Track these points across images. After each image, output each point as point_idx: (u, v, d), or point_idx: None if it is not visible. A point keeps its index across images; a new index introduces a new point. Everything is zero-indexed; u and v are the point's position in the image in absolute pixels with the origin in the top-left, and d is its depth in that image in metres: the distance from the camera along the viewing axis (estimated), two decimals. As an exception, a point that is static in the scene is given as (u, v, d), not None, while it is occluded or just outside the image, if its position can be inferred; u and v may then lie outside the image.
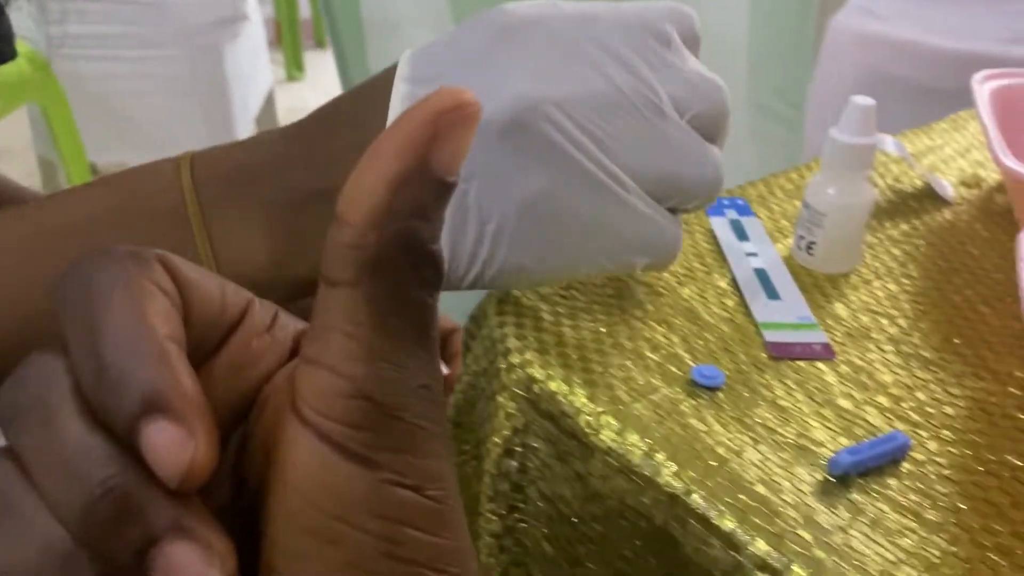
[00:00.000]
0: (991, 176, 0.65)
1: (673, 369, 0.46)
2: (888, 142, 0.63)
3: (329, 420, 0.20)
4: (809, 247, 0.54)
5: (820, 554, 0.37)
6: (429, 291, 0.21)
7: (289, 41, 3.09)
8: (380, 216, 0.20)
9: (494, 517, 0.47)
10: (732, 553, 0.38)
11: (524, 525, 0.46)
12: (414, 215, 0.20)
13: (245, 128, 1.94)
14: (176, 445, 0.18)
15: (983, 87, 0.63)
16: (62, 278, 0.21)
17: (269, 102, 2.27)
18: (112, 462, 0.19)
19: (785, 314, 0.50)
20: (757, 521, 0.38)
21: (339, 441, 0.20)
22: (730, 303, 0.52)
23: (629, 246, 0.45)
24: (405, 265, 0.20)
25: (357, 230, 0.20)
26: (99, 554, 0.19)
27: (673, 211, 0.46)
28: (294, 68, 3.09)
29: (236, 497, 0.22)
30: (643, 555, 0.42)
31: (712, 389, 0.45)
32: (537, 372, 0.46)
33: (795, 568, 0.36)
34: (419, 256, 0.20)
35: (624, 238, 0.44)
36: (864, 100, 0.51)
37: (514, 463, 0.47)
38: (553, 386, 0.45)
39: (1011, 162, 0.53)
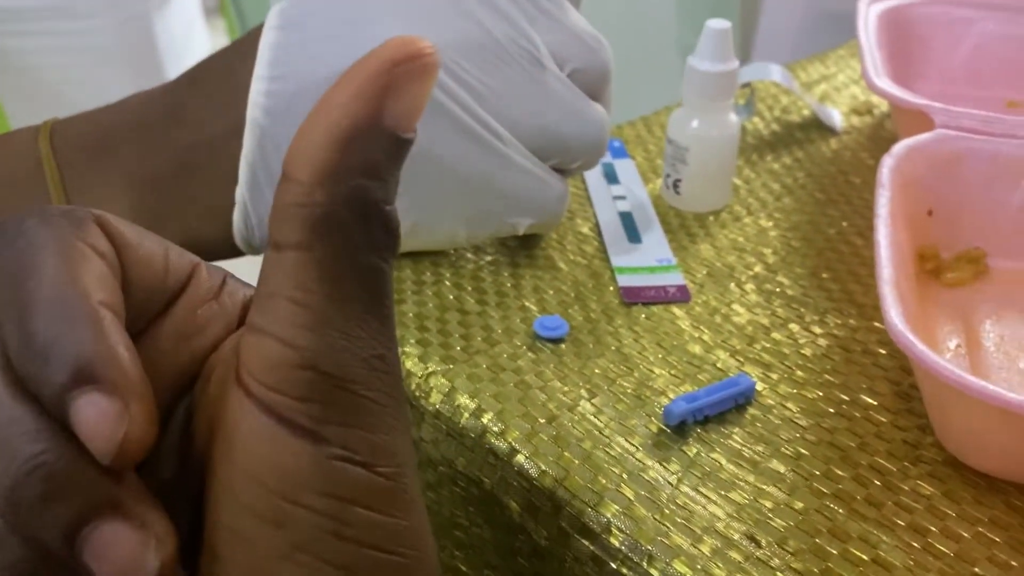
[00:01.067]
0: (884, 103, 0.62)
1: (518, 322, 0.43)
2: (774, 71, 0.59)
3: (275, 392, 0.18)
4: (676, 185, 0.51)
5: (641, 512, 0.34)
6: (382, 255, 0.19)
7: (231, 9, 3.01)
8: (329, 173, 0.18)
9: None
10: (553, 517, 0.35)
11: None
12: (365, 173, 0.18)
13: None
14: (108, 419, 0.17)
15: (870, 9, 0.60)
16: None
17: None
18: (40, 437, 0.17)
19: (644, 257, 0.47)
20: (579, 481, 0.35)
21: (285, 414, 0.18)
22: (590, 249, 0.48)
23: (510, 204, 0.42)
24: (356, 226, 0.19)
25: (304, 187, 0.18)
26: (27, 536, 0.17)
27: (559, 172, 0.44)
28: (236, 37, 3.03)
29: (181, 473, 0.21)
30: (477, 523, 0.39)
31: (555, 341, 0.42)
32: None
33: (614, 530, 0.33)
34: (371, 217, 0.19)
35: (504, 195, 0.42)
36: (720, 23, 0.47)
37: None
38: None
39: (882, 83, 0.50)
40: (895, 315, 0.34)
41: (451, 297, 0.45)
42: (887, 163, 0.43)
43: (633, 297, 0.45)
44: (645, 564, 0.32)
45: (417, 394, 0.40)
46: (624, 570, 0.33)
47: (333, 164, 0.18)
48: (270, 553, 0.18)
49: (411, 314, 0.43)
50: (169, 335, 0.21)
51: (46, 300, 0.18)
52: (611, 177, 0.55)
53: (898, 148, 0.45)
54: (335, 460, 0.18)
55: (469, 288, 0.45)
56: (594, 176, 0.54)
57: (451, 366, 0.40)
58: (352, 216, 0.19)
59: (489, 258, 0.47)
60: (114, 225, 0.20)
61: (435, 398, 0.39)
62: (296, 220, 0.18)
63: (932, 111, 0.47)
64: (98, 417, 0.17)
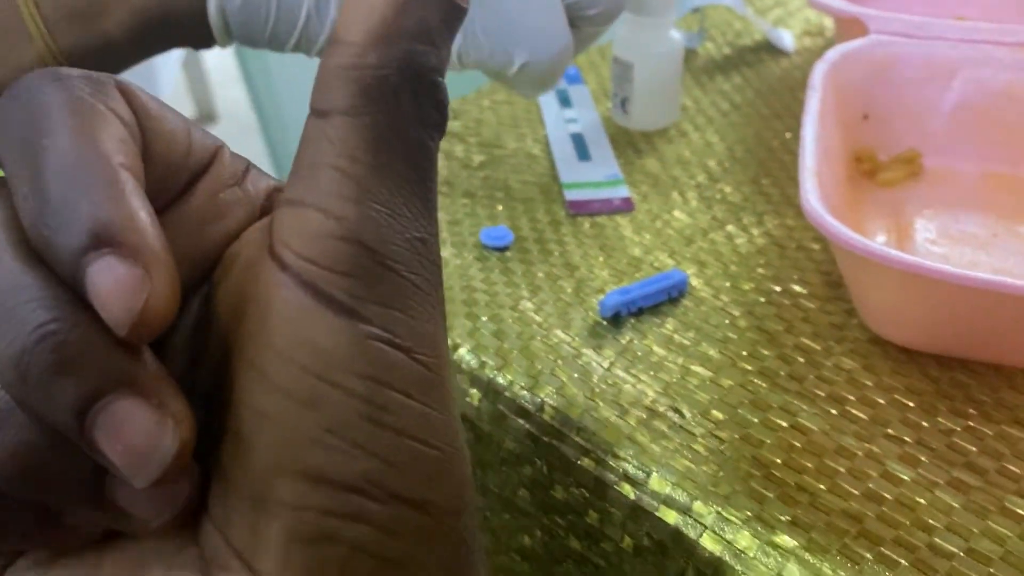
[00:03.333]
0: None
1: (466, 235, 0.45)
2: (725, -3, 0.61)
3: (313, 264, 0.17)
4: (624, 104, 0.52)
5: (573, 391, 0.36)
6: (431, 132, 0.18)
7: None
8: (383, 34, 0.18)
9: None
10: (492, 402, 0.37)
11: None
12: (420, 37, 0.18)
13: (168, 78, 1.91)
14: (127, 286, 0.15)
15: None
16: (1, 100, 0.17)
17: (193, 53, 2.23)
18: (51, 304, 0.15)
19: (592, 173, 0.49)
20: (516, 368, 0.37)
21: (323, 289, 0.17)
22: (540, 169, 0.50)
23: (511, 28, 0.40)
24: (408, 95, 0.18)
25: (357, 49, 0.18)
26: (34, 413, 0.16)
27: (574, 25, 0.42)
28: None
29: (191, 369, 0.19)
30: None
31: (500, 250, 0.44)
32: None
33: (546, 408, 0.35)
34: (423, 86, 0.18)
35: (509, 16, 0.40)
36: (657, -59, 0.49)
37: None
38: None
39: (820, -6, 0.51)
40: (813, 199, 0.36)
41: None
42: (819, 67, 0.45)
43: (579, 209, 0.46)
44: (574, 435, 0.34)
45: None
46: (555, 443, 0.34)
47: (388, 25, 0.17)
48: (301, 436, 0.17)
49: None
50: (189, 218, 0.20)
51: (62, 160, 0.16)
52: (564, 101, 0.56)
53: (831, 53, 0.46)
54: (374, 341, 0.17)
55: (422, 207, 0.47)
56: (548, 100, 0.56)
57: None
58: (404, 83, 0.18)
59: (442, 177, 0.49)
60: (137, 93, 0.18)
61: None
62: (346, 84, 0.18)
63: (866, 18, 0.48)
64: (116, 283, 0.15)
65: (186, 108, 2.25)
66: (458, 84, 0.47)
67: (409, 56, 0.18)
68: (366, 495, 0.17)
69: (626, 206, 0.46)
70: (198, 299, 0.20)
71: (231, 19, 0.40)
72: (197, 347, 0.19)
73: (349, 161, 0.17)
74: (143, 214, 0.16)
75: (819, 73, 0.44)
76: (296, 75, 1.28)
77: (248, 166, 0.21)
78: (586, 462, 0.34)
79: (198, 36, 0.41)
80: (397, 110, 0.18)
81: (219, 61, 2.24)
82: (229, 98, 2.21)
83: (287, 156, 1.35)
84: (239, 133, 1.43)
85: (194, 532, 0.18)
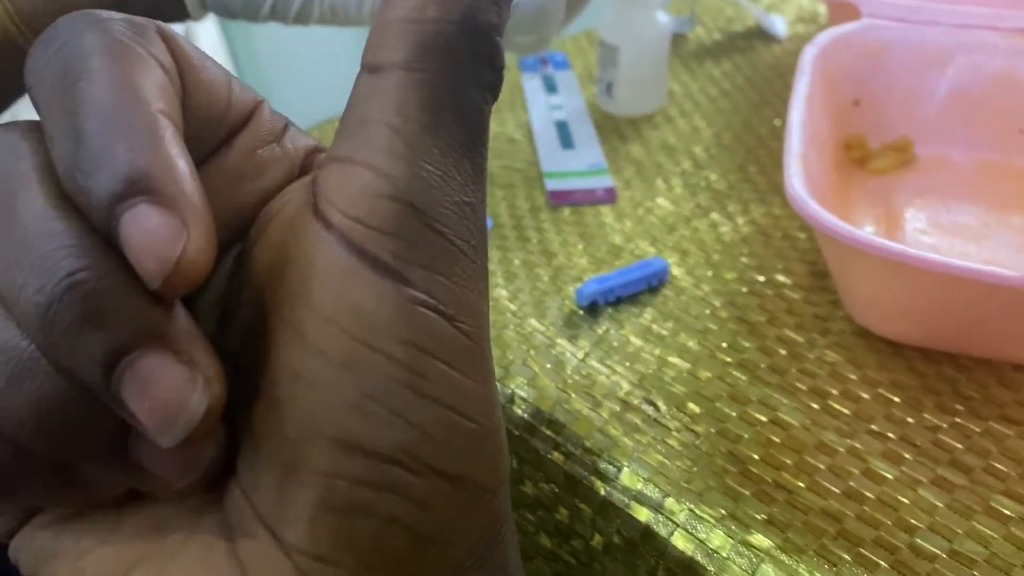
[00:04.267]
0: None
1: (442, 221, 0.44)
2: (717, -18, 0.59)
3: (360, 224, 0.16)
4: (609, 88, 0.51)
5: (545, 382, 0.34)
6: (485, 95, 0.18)
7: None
8: None
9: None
10: (462, 393, 0.36)
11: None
12: None
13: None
14: (162, 235, 0.15)
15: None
16: (38, 41, 0.17)
17: (186, 38, 2.20)
18: (81, 253, 0.15)
19: (576, 162, 0.48)
20: (487, 357, 0.35)
21: (369, 249, 0.16)
22: (524, 156, 0.49)
23: None
24: (466, 52, 0.17)
25: (415, 1, 0.17)
26: (60, 365, 0.15)
27: None
28: None
29: (222, 330, 0.18)
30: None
31: (477, 236, 0.42)
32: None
33: (516, 399, 0.34)
34: (482, 44, 0.17)
35: None
36: (644, -79, 0.47)
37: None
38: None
39: (812, -23, 0.50)
40: (798, 184, 0.34)
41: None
42: (809, 51, 0.43)
43: (560, 200, 0.45)
44: (544, 428, 0.33)
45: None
46: (525, 436, 0.33)
47: None
48: (338, 400, 0.16)
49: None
50: (226, 173, 0.19)
51: (99, 104, 0.15)
52: (550, 88, 0.55)
53: (822, 37, 0.44)
54: (418, 306, 0.16)
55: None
56: (534, 86, 0.54)
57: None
58: (463, 39, 0.17)
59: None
60: (179, 42, 0.18)
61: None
62: (403, 37, 0.17)
63: (859, 2, 0.47)
64: (150, 233, 0.15)
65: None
66: None
67: (471, 11, 0.17)
68: (402, 466, 0.16)
69: (608, 196, 0.45)
70: (232, 257, 0.19)
71: None
72: (229, 306, 0.19)
73: (401, 118, 0.17)
74: (182, 163, 0.15)
75: (809, 57, 0.43)
76: (285, 56, 1.27)
77: (287, 124, 0.20)
78: (556, 456, 0.32)
79: (168, 3, 0.39)
80: (454, 68, 0.17)
81: (211, 48, 2.21)
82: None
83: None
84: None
85: (219, 497, 0.17)
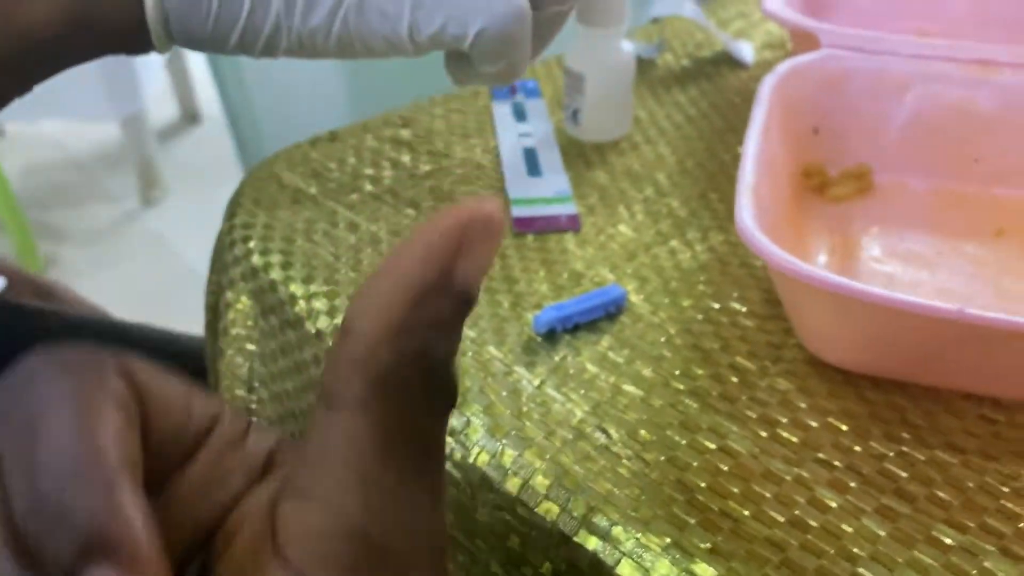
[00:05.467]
0: (801, 37, 0.62)
1: (407, 247, 0.44)
2: (686, 7, 0.60)
3: (319, 566, 0.17)
4: (575, 115, 0.51)
5: (501, 409, 0.35)
6: (439, 420, 0.19)
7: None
8: (397, 328, 0.17)
9: (237, 416, 0.45)
10: (419, 420, 0.36)
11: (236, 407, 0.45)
12: (432, 330, 0.18)
13: (150, 78, 1.89)
14: None
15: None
16: (2, 385, 0.17)
17: (178, 52, 2.21)
18: None
19: (542, 189, 0.48)
20: (444, 385, 0.36)
21: None
22: (487, 180, 0.49)
23: None
24: (419, 387, 0.18)
25: (369, 343, 0.17)
26: None
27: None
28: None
29: None
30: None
31: (440, 262, 0.43)
32: (257, 260, 0.43)
33: (472, 426, 0.34)
34: (434, 377, 0.18)
35: None
36: (607, -49, 0.48)
37: (244, 364, 0.45)
38: (274, 275, 0.43)
39: (773, 5, 0.50)
40: (747, 216, 0.35)
41: (342, 225, 0.45)
42: (768, 81, 0.44)
43: (524, 227, 0.45)
44: (499, 456, 0.33)
45: (301, 316, 0.41)
46: (479, 463, 0.34)
47: (401, 319, 0.17)
48: None
49: (298, 240, 0.44)
50: (189, 487, 0.20)
51: (58, 458, 0.16)
52: (520, 115, 0.55)
53: (782, 67, 0.45)
54: None
55: (363, 217, 0.46)
56: (503, 114, 0.55)
57: (335, 287, 0.41)
58: (416, 375, 0.18)
59: (387, 185, 0.48)
60: (136, 371, 0.19)
61: (316, 319, 0.40)
62: (357, 375, 0.18)
63: (819, 31, 0.47)
64: None
65: (170, 109, 2.24)
66: (413, 86, 0.45)
67: (423, 348, 0.18)
68: None
69: (572, 224, 0.45)
70: (196, 563, 0.20)
71: (170, 11, 0.38)
72: None
73: (356, 455, 0.18)
74: (138, 518, 0.16)
75: (768, 86, 0.44)
76: (268, 70, 1.27)
77: (249, 425, 0.21)
78: (509, 484, 0.33)
79: (132, 34, 0.39)
80: (408, 402, 0.18)
81: (203, 61, 2.23)
82: (213, 98, 2.20)
83: (259, 155, 1.34)
84: (222, 134, 1.42)
85: None
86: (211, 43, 0.40)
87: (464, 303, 0.18)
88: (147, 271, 1.75)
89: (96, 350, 0.18)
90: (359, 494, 0.18)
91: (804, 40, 0.49)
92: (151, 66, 1.92)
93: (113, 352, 0.18)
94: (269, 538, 0.18)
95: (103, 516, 0.16)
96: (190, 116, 2.24)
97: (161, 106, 2.18)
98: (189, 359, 0.55)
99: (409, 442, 0.18)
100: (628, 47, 0.50)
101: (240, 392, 0.45)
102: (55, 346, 0.18)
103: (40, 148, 2.12)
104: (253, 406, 0.45)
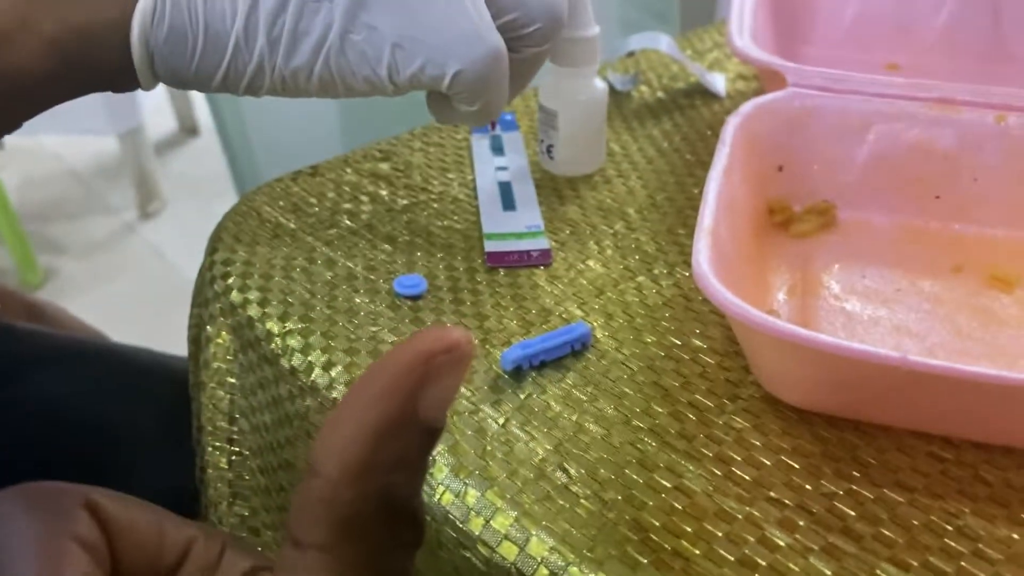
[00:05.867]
0: (775, 67, 0.64)
1: (381, 283, 0.45)
2: (662, 42, 0.61)
3: None
4: (549, 150, 0.53)
5: (465, 448, 0.36)
6: (407, 553, 0.19)
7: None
8: (359, 470, 0.17)
9: (217, 452, 0.46)
10: (388, 457, 0.37)
11: (240, 458, 0.46)
12: (396, 468, 0.18)
13: (149, 93, 1.91)
14: None
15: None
16: None
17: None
18: None
19: (515, 223, 0.49)
20: (412, 423, 0.37)
21: None
22: (464, 214, 0.50)
23: (437, 34, 0.39)
24: (384, 525, 0.18)
25: (332, 485, 0.17)
26: None
27: (518, 39, 0.42)
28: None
29: None
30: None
31: (413, 298, 0.44)
32: (236, 297, 0.45)
33: (439, 464, 0.35)
34: (399, 515, 0.18)
35: (433, 21, 0.39)
36: (579, -8, 0.49)
37: (225, 396, 0.46)
38: (251, 312, 0.44)
39: (742, 43, 0.52)
40: (703, 261, 0.36)
41: (319, 261, 0.47)
42: (732, 121, 0.45)
43: (496, 261, 0.47)
44: (462, 496, 0.34)
45: (277, 352, 0.42)
46: (443, 501, 0.35)
47: (364, 461, 0.17)
48: None
49: (276, 277, 0.46)
50: None
51: None
52: (497, 149, 0.57)
53: (746, 107, 0.46)
54: None
55: (340, 253, 0.47)
56: (481, 147, 0.56)
57: (309, 324, 0.43)
58: (381, 514, 0.18)
59: (365, 220, 0.49)
60: (105, 508, 0.19)
61: (291, 356, 0.42)
62: (321, 519, 0.17)
63: (785, 70, 0.49)
64: None
65: (168, 123, 2.26)
66: (403, 102, 0.45)
67: (386, 489, 0.18)
68: None
69: (543, 259, 0.47)
70: None
71: (156, 51, 0.40)
72: None
73: None
74: None
75: (731, 127, 0.45)
76: (262, 100, 1.29)
77: (223, 547, 0.21)
78: (472, 523, 0.34)
79: (118, 73, 0.40)
80: (373, 541, 0.18)
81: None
82: (210, 112, 2.22)
83: (251, 171, 1.36)
84: (220, 147, 1.44)
85: None
86: (195, 82, 0.41)
87: (429, 435, 0.18)
88: (146, 283, 1.77)
89: (61, 488, 0.18)
90: None
91: (772, 77, 0.50)
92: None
93: (77, 489, 0.18)
94: None
95: None
96: (188, 129, 2.26)
97: (159, 119, 2.20)
98: (179, 381, 0.56)
99: None
100: (600, 85, 0.51)
101: (222, 424, 0.46)
102: (18, 488, 0.18)
103: (39, 161, 2.14)
104: (235, 436, 0.46)
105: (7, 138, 2.19)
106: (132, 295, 1.73)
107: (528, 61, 0.43)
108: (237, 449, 0.46)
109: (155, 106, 2.07)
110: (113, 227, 1.93)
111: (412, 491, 0.18)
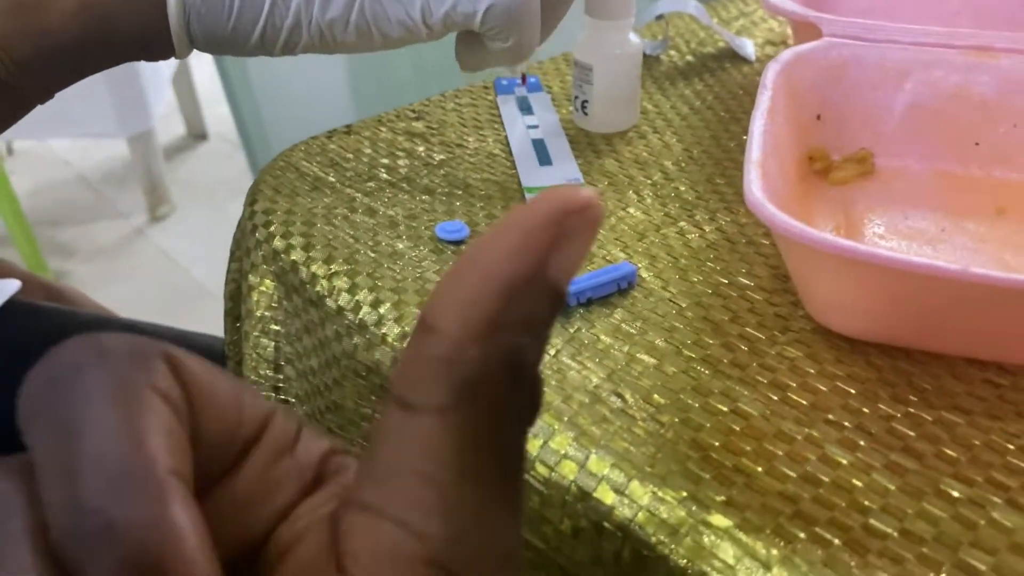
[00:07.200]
0: (802, 35, 0.64)
1: (422, 229, 0.45)
2: (690, 5, 0.62)
3: None
4: (584, 106, 0.53)
5: (517, 378, 0.36)
6: (522, 432, 0.17)
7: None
8: (487, 327, 0.16)
9: (258, 398, 0.46)
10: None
11: (287, 406, 0.46)
12: (525, 330, 0.16)
13: (158, 95, 1.92)
14: None
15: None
16: (36, 376, 0.15)
17: (184, 70, 2.23)
18: None
19: (553, 177, 0.49)
20: (463, 355, 0.37)
21: None
22: (500, 168, 0.50)
23: None
24: (507, 391, 0.16)
25: (454, 342, 0.16)
26: None
27: None
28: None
29: None
30: (379, 411, 0.41)
31: (456, 243, 0.44)
32: (279, 243, 0.45)
33: (490, 393, 0.35)
34: (524, 382, 0.17)
35: None
36: (614, -54, 0.50)
37: (270, 344, 0.46)
38: (295, 256, 0.44)
39: (775, -2, 0.52)
40: (756, 189, 0.36)
41: (360, 210, 0.47)
42: (772, 67, 0.45)
43: (535, 206, 0.46)
44: (516, 420, 0.34)
45: (323, 294, 0.42)
46: (498, 427, 0.35)
47: (493, 317, 0.16)
48: None
49: (318, 224, 0.46)
50: (238, 497, 0.18)
51: (102, 464, 0.14)
52: (525, 109, 0.57)
53: (786, 54, 0.47)
54: None
55: (380, 203, 0.47)
56: (509, 107, 0.57)
57: (354, 266, 0.42)
58: (506, 378, 0.16)
59: (403, 174, 0.49)
60: (185, 364, 0.17)
61: (338, 296, 0.41)
62: (440, 378, 0.16)
63: (820, 21, 0.49)
64: None
65: (176, 127, 2.27)
66: (424, 86, 0.47)
67: (514, 350, 0.16)
68: None
69: (582, 203, 0.47)
70: None
71: (192, 11, 0.40)
72: None
73: (437, 467, 0.16)
74: (192, 542, 0.14)
75: (772, 73, 0.45)
76: (279, 90, 1.29)
77: (300, 428, 0.19)
78: (529, 445, 0.34)
79: (153, 39, 0.40)
80: (494, 409, 0.16)
81: (209, 79, 2.26)
82: (219, 116, 2.22)
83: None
84: (229, 152, 1.44)
85: None
86: (232, 43, 0.41)
87: (556, 300, 0.16)
88: (155, 287, 1.76)
89: (138, 338, 0.16)
90: (440, 516, 0.16)
91: (806, 32, 0.50)
92: (158, 84, 1.94)
93: (154, 342, 0.17)
94: (331, 555, 0.17)
95: (153, 532, 0.14)
96: (197, 134, 2.26)
97: (168, 124, 2.21)
98: (204, 356, 0.56)
99: (492, 456, 0.16)
100: (635, 40, 0.51)
101: (267, 371, 0.46)
102: (89, 336, 0.16)
103: (49, 166, 2.15)
104: (280, 384, 0.46)
105: (17, 143, 2.19)
106: (142, 299, 1.73)
107: (558, 2, 0.43)
108: (283, 397, 0.46)
109: (164, 111, 2.08)
110: (123, 231, 1.93)
111: (539, 356, 0.17)
